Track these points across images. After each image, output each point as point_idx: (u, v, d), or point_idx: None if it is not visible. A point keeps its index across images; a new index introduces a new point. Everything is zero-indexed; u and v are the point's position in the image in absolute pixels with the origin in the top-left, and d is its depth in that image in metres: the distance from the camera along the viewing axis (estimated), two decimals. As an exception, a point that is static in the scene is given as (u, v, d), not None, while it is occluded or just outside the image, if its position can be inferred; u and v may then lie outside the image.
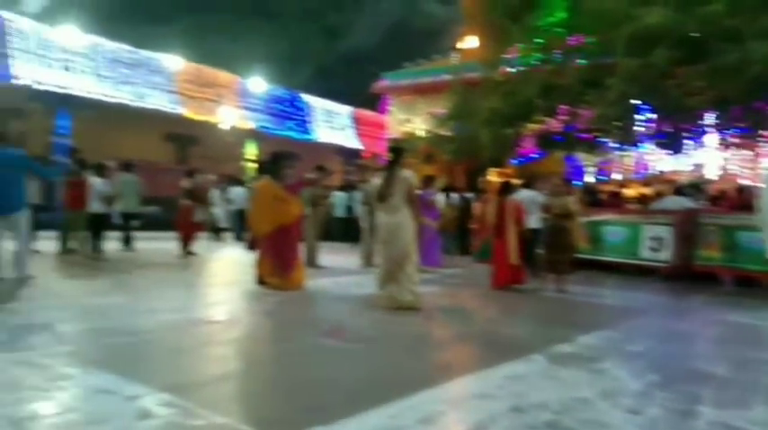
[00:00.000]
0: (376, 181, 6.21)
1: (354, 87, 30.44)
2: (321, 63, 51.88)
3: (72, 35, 16.15)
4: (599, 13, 11.03)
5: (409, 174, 6.06)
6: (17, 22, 15.25)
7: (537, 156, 15.07)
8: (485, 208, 11.78)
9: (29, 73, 15.01)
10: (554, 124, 13.13)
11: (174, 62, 18.93)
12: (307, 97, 24.11)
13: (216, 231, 15.28)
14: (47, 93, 15.32)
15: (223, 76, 20.82)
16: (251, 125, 21.16)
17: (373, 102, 24.76)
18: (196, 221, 11.68)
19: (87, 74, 16.40)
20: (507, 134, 13.66)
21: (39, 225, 9.29)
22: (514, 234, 7.70)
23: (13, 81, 14.64)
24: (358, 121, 26.20)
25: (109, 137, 16.00)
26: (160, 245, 12.12)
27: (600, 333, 5.10)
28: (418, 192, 8.68)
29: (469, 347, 4.62)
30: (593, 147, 13.45)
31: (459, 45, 20.24)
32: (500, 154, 14.57)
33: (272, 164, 7.37)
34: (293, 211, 7.14)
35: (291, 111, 23.17)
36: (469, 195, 13.69)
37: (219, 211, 15.23)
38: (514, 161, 15.98)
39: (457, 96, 14.99)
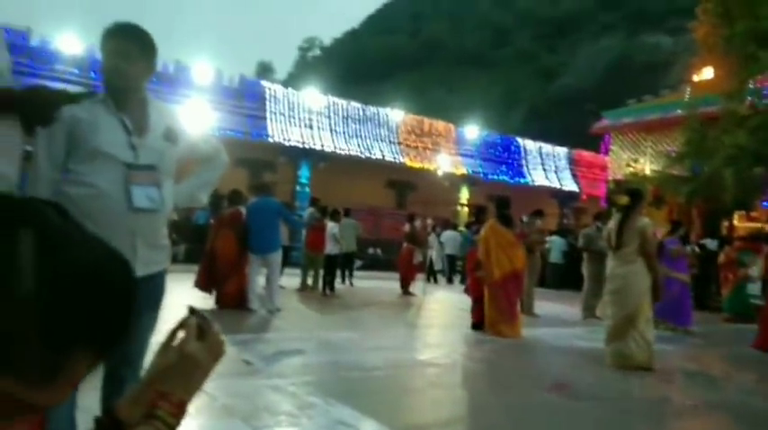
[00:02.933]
0: (610, 226, 5.85)
1: (571, 128, 29.52)
2: (535, 105, 51.37)
3: (313, 96, 18.51)
4: None
5: (646, 222, 5.60)
6: (272, 88, 17.98)
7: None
8: (731, 255, 10.41)
9: (279, 131, 17.48)
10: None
11: (396, 115, 20.48)
12: (520, 140, 24.03)
13: (431, 273, 15.82)
14: (292, 148, 17.66)
15: (440, 125, 21.85)
16: (465, 170, 21.73)
17: (592, 142, 23.67)
18: (415, 263, 12.23)
19: (324, 130, 18.55)
20: (755, 173, 11.96)
21: (284, 263, 10.65)
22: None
23: (269, 139, 17.16)
24: (575, 163, 25.23)
25: (339, 184, 17.77)
26: (382, 284, 12.91)
27: None
28: (664, 239, 8.00)
29: (716, 418, 4.06)
30: None
31: (691, 77, 18.48)
32: (747, 196, 12.78)
33: (501, 209, 7.38)
34: (522, 257, 7.11)
35: (505, 156, 23.26)
36: (708, 241, 12.20)
37: (435, 254, 15.78)
38: (765, 203, 13.87)
39: (692, 133, 13.63)
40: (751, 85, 12.48)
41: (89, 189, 1.95)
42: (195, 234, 13.80)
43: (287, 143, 17.46)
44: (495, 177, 22.45)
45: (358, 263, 16.85)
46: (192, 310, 0.82)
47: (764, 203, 13.85)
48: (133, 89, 2.08)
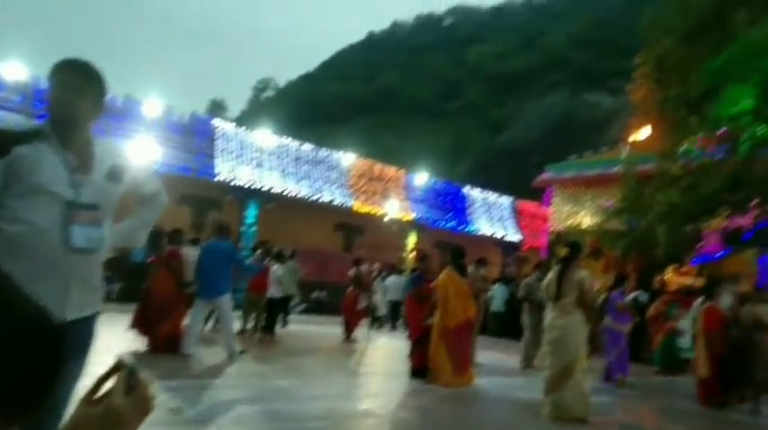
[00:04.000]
0: (549, 277, 5.97)
1: (516, 179, 30.48)
2: (483, 156, 52.94)
3: (264, 136, 18.45)
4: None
5: (585, 275, 5.76)
6: (223, 126, 17.85)
7: (722, 255, 13.59)
8: (660, 308, 10.77)
9: (228, 170, 17.27)
10: (743, 221, 11.85)
11: (347, 158, 20.62)
12: (467, 189, 24.57)
13: (375, 319, 15.70)
14: (239, 187, 17.44)
15: (390, 170, 22.13)
16: (413, 216, 21.96)
17: (535, 194, 24.45)
18: (360, 308, 12.12)
19: (274, 170, 18.44)
20: (686, 231, 12.57)
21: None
22: (706, 344, 6.92)
23: (216, 177, 16.91)
24: (519, 213, 25.93)
25: (287, 226, 17.60)
26: (325, 329, 12.70)
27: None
28: (611, 292, 8.20)
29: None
30: (793, 247, 11.83)
31: (628, 136, 19.49)
32: (678, 251, 13.38)
33: (457, 258, 7.40)
34: (474, 306, 7.15)
35: (452, 203, 23.69)
36: (640, 294, 12.65)
37: (379, 299, 15.70)
38: (695, 260, 14.54)
39: (628, 189, 14.26)
40: (683, 147, 13.21)
41: (25, 226, 1.86)
42: (132, 272, 13.31)
43: (235, 182, 17.24)
44: (442, 224, 22.77)
45: (301, 306, 16.58)
46: (121, 362, 0.77)
47: (694, 260, 14.52)
48: (79, 125, 2.03)
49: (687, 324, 9.61)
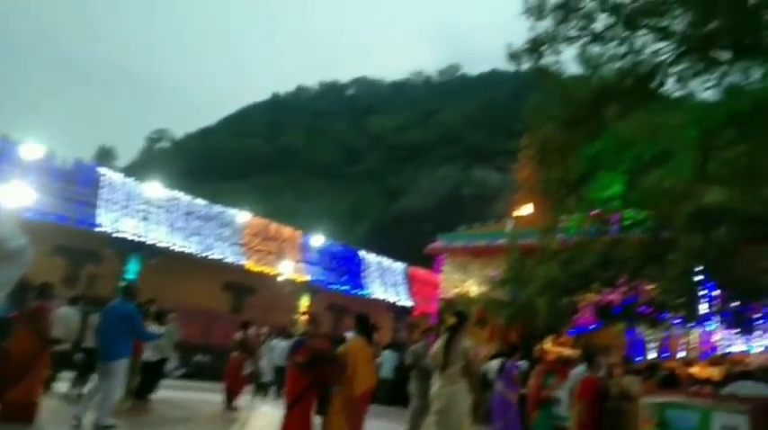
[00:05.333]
0: (437, 345, 6.02)
1: (409, 246, 31.19)
2: (379, 221, 53.99)
3: (154, 189, 17.66)
4: (656, 189, 11.22)
5: (470, 344, 5.88)
6: (109, 175, 16.90)
7: (595, 327, 14.54)
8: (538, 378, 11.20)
9: (111, 221, 16.24)
10: (614, 296, 12.83)
11: (242, 216, 20.18)
12: (363, 253, 24.77)
13: (260, 385, 15.00)
14: (122, 239, 16.41)
15: (286, 230, 21.90)
16: (307, 278, 21.67)
17: (427, 261, 25.12)
18: (244, 374, 11.55)
19: (162, 224, 17.60)
20: (564, 303, 13.37)
21: (90, 368, 9.49)
22: (579, 413, 7.22)
23: (97, 228, 15.82)
24: (411, 279, 26.43)
25: (172, 283, 16.65)
26: (206, 395, 11.94)
27: None
28: (508, 362, 8.36)
29: None
30: (655, 322, 12.92)
31: (513, 211, 20.76)
32: (556, 323, 14.15)
33: (364, 324, 7.24)
34: (375, 373, 7.01)
35: (347, 266, 23.73)
36: (521, 364, 13.15)
37: (265, 365, 15.07)
38: (571, 331, 15.44)
39: (512, 261, 15.04)
40: (561, 225, 14.25)
41: None
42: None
43: (117, 234, 16.21)
44: (336, 287, 22.64)
45: (181, 370, 15.54)
46: None
47: (571, 331, 15.40)
48: None
49: (564, 393, 10.03)
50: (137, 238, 16.65)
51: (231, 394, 10.88)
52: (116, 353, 6.85)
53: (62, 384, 9.82)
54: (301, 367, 6.78)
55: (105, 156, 72.14)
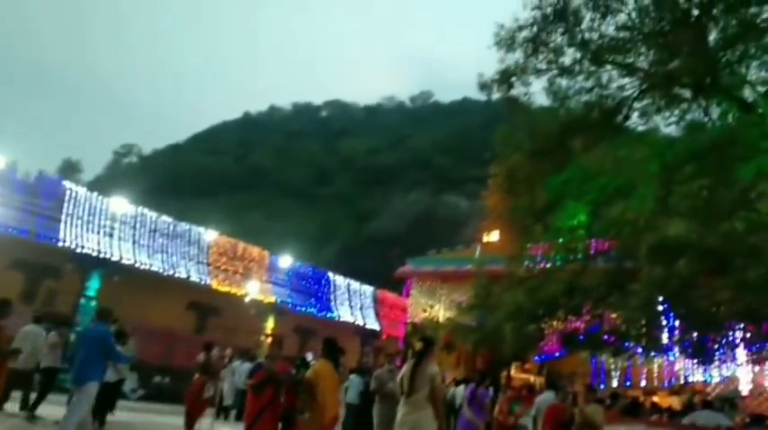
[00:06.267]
0: (403, 371, 5.95)
1: (379, 269, 31.19)
2: (348, 243, 53.85)
3: (120, 204, 17.29)
4: (620, 220, 11.52)
5: (436, 370, 5.83)
6: (74, 190, 16.50)
7: (560, 354, 14.71)
8: (503, 404, 11.23)
9: (74, 236, 15.83)
10: (578, 324, 13.03)
11: (209, 235, 19.89)
12: (332, 275, 24.62)
13: (222, 408, 14.64)
14: (84, 255, 15.98)
15: (254, 250, 21.64)
16: (273, 299, 21.40)
17: (396, 284, 25.12)
18: (206, 397, 11.26)
19: (126, 240, 17.23)
20: (530, 330, 13.52)
21: (49, 387, 9.21)
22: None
23: (59, 243, 15.39)
24: (380, 302, 26.31)
25: (134, 301, 16.23)
26: (165, 418, 11.61)
27: None
28: (479, 389, 8.32)
29: None
30: (618, 350, 13.14)
31: (482, 237, 21.00)
32: (523, 349, 14.28)
33: (332, 349, 7.09)
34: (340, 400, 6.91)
35: (315, 288, 23.52)
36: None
37: (227, 387, 14.72)
38: (537, 358, 15.57)
39: (479, 287, 15.18)
40: (529, 252, 14.47)
41: None
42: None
43: (79, 250, 15.80)
44: (303, 309, 22.40)
45: (139, 392, 15.12)
46: None
47: (536, 358, 15.53)
48: None
49: (529, 421, 10.08)
50: (99, 254, 16.25)
51: (191, 417, 10.56)
52: (88, 376, 6.84)
53: (11, 404, 9.44)
54: (254, 389, 6.67)
55: (70, 169, 70.55)
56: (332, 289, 24.26)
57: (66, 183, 16.77)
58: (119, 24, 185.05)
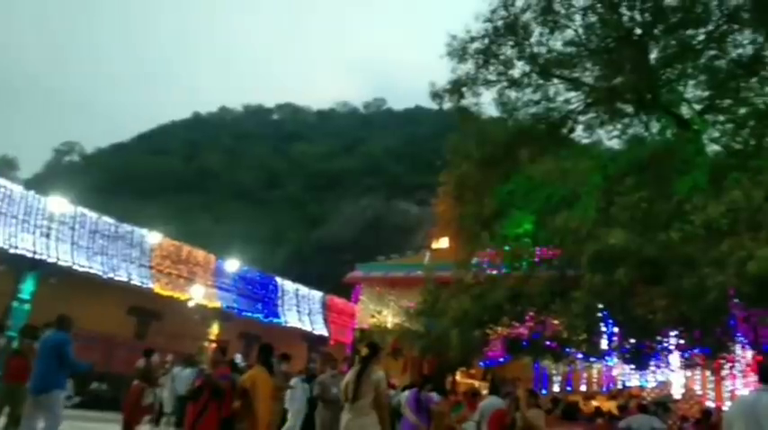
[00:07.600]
0: (348, 377, 5.91)
1: (328, 274, 31.00)
2: (298, 248, 53.34)
3: (58, 204, 16.56)
4: (563, 229, 11.83)
5: (381, 376, 5.82)
6: (8, 187, 15.70)
7: (504, 360, 14.95)
8: (446, 409, 11.32)
9: (7, 236, 15.06)
10: (522, 330, 13.27)
11: (153, 237, 19.30)
12: (280, 280, 24.31)
13: (160, 415, 14.18)
14: (17, 256, 15.23)
15: (200, 254, 21.13)
16: (219, 304, 20.94)
17: (345, 290, 25.02)
18: (144, 405, 10.90)
19: (64, 242, 16.52)
20: (476, 336, 13.68)
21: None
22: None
23: (-12, 243, 14.63)
24: (328, 308, 26.16)
25: (71, 304, 15.48)
26: (102, 426, 11.19)
27: None
28: (424, 394, 8.32)
29: None
30: (559, 356, 13.46)
31: (431, 244, 21.19)
32: (468, 355, 14.43)
33: (267, 355, 6.94)
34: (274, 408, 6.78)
35: (262, 293, 23.17)
36: (434, 395, 13.26)
37: (166, 394, 14.27)
38: (482, 363, 15.78)
39: (427, 293, 15.28)
40: (475, 259, 14.68)
41: None
42: None
43: (12, 250, 15.03)
44: (250, 314, 22.02)
45: (75, 399, 14.50)
46: None
47: (481, 363, 15.74)
48: None
49: (472, 425, 10.19)
50: (35, 255, 15.51)
51: (129, 425, 10.22)
52: (50, 384, 6.79)
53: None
54: (190, 396, 6.56)
55: (5, 166, 67.25)
56: (280, 294, 23.97)
57: (0, 181, 15.95)
58: (61, 19, 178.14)
